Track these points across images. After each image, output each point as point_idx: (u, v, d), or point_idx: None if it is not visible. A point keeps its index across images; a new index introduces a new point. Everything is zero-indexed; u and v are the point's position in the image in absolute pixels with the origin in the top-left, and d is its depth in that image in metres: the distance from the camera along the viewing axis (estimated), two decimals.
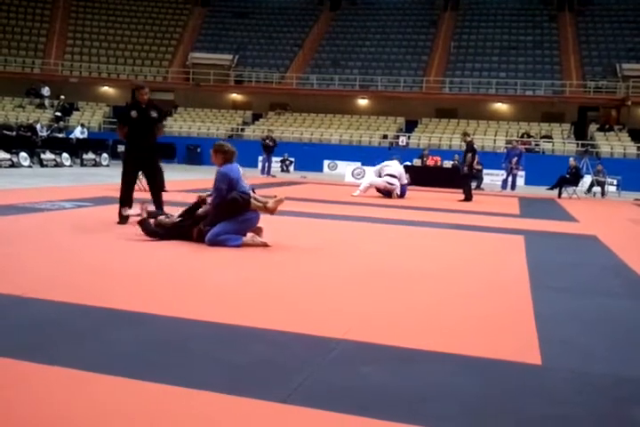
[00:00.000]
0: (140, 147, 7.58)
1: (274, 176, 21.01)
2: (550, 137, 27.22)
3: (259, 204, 6.50)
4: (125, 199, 7.53)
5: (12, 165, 17.84)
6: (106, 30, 34.94)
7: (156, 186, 7.81)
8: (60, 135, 22.65)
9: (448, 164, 20.38)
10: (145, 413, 2.41)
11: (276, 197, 6.65)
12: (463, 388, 2.81)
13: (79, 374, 2.73)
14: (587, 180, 18.91)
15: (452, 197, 14.71)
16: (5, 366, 2.79)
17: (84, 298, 3.94)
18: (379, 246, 6.95)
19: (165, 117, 28.55)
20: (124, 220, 7.45)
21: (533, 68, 30.67)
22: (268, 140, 21.50)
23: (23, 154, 18.61)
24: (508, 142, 24.66)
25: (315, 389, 2.71)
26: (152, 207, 7.11)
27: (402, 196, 14.24)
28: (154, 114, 7.64)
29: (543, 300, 4.57)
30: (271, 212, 6.57)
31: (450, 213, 11.05)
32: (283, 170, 25.36)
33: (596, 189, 19.00)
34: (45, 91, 30.30)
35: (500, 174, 21.05)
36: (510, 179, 20.07)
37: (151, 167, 7.77)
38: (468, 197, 14.25)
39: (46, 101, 30.26)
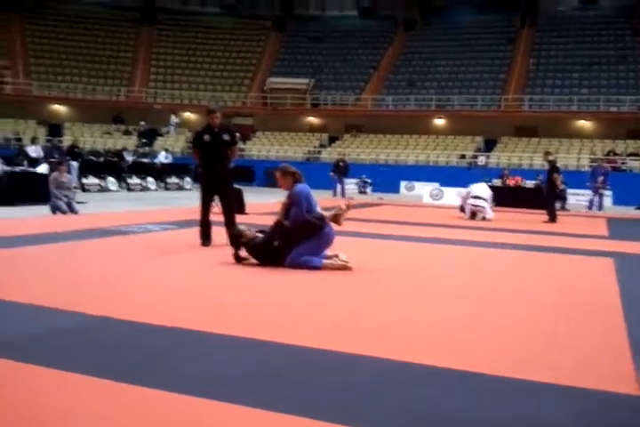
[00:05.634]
0: (213, 170, 7.68)
1: (351, 198, 20.96)
2: (638, 154, 26.15)
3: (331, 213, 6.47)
4: (204, 222, 7.68)
5: (101, 190, 18.64)
6: (187, 57, 36.28)
7: (230, 209, 7.80)
8: (145, 160, 23.46)
9: (530, 184, 19.85)
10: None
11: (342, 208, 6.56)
12: (554, 418, 2.67)
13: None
14: None
15: (536, 218, 14.29)
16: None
17: (163, 319, 4.01)
18: (458, 269, 6.80)
19: (244, 141, 29.21)
20: (206, 242, 7.61)
21: (617, 84, 29.67)
22: (340, 163, 21.74)
23: (111, 179, 19.40)
24: (593, 161, 23.82)
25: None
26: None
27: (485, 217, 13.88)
28: (226, 137, 7.74)
29: (638, 324, 4.34)
30: (341, 218, 6.49)
31: (534, 235, 10.72)
32: (360, 192, 25.35)
33: None
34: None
35: (586, 194, 20.29)
36: (597, 199, 19.31)
37: (224, 190, 7.83)
38: (553, 218, 13.81)
39: (130, 128, 31.42)
